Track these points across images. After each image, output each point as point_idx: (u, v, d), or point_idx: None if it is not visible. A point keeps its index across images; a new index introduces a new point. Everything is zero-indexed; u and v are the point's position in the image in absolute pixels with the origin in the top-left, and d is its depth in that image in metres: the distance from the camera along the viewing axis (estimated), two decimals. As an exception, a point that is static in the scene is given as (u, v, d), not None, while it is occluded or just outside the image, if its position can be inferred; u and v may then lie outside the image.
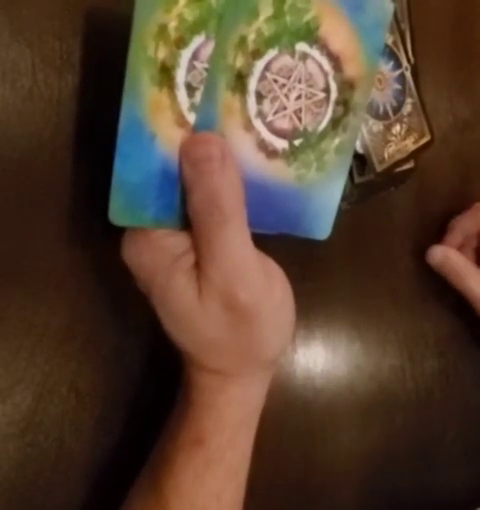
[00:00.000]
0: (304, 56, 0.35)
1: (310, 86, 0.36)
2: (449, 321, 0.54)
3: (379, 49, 0.37)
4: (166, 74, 0.32)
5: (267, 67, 0.34)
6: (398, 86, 0.50)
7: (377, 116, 0.48)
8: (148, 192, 0.33)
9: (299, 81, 0.35)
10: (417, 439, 0.53)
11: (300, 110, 0.36)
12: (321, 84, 0.36)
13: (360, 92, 0.37)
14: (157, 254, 0.34)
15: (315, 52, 0.35)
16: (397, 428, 0.52)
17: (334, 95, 0.36)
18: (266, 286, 0.34)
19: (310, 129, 0.36)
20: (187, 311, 0.34)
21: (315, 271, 0.48)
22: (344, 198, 0.49)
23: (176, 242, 0.34)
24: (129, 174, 0.32)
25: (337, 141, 0.37)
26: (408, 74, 0.50)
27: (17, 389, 0.38)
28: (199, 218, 0.33)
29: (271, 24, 0.33)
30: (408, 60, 0.50)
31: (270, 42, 0.34)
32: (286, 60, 0.34)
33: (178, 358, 0.37)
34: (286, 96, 0.35)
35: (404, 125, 0.50)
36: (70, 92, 0.38)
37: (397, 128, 0.49)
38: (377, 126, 0.48)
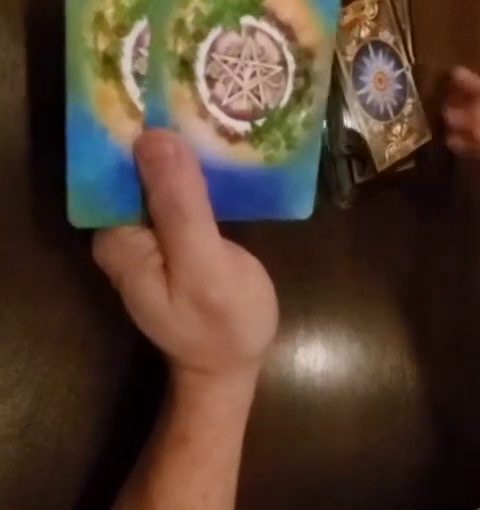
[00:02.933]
0: (252, 30, 0.33)
1: (264, 61, 0.33)
2: (449, 321, 0.54)
3: (335, 12, 0.35)
4: (110, 65, 0.30)
5: (212, 48, 0.32)
6: (399, 86, 0.48)
7: (378, 116, 0.47)
8: (107, 190, 0.31)
9: (251, 58, 0.33)
10: (417, 439, 0.52)
11: (257, 88, 0.33)
12: (275, 57, 0.33)
13: (320, 60, 0.34)
14: (125, 253, 0.32)
15: (263, 24, 0.33)
16: (397, 428, 0.51)
17: (292, 67, 0.34)
18: (238, 282, 0.32)
19: (271, 106, 0.34)
20: (158, 312, 0.32)
21: (315, 271, 0.48)
22: (344, 198, 0.47)
23: (143, 240, 0.32)
24: (84, 173, 0.30)
25: (304, 114, 0.35)
26: (409, 74, 0.49)
27: (17, 390, 0.38)
28: (159, 219, 0.31)
29: (209, 2, 0.31)
30: (409, 60, 0.49)
31: (211, 21, 0.32)
32: (232, 37, 0.32)
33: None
34: (239, 76, 0.33)
35: (405, 125, 0.49)
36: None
37: (398, 128, 0.48)
38: (378, 126, 0.47)
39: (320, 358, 0.48)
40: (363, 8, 0.43)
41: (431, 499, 0.53)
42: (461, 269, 0.54)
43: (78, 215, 0.31)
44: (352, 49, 0.43)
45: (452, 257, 0.54)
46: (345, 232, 0.49)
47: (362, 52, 0.43)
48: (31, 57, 0.37)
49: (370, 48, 0.44)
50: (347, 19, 0.43)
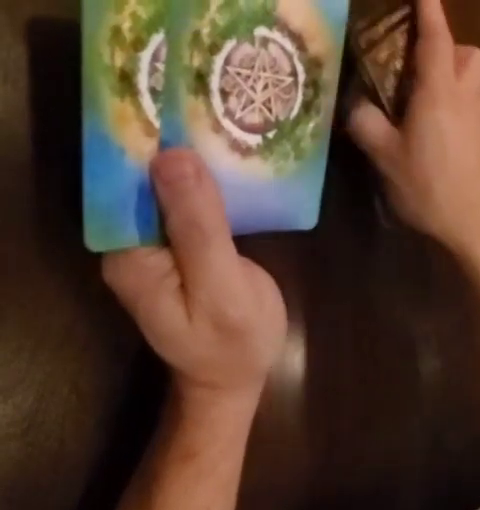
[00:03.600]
0: (265, 41, 0.32)
1: (276, 72, 0.33)
2: (450, 321, 0.54)
3: (343, 21, 0.34)
4: (127, 81, 0.29)
5: (227, 61, 0.31)
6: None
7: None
8: (124, 211, 0.30)
9: (263, 69, 0.32)
10: (418, 439, 0.53)
11: (269, 100, 0.33)
12: (287, 68, 0.33)
13: (328, 69, 0.34)
14: (140, 275, 0.32)
15: (276, 34, 0.32)
16: (398, 428, 0.52)
17: (302, 77, 0.34)
18: (255, 300, 0.32)
19: (282, 118, 0.34)
20: (176, 333, 0.32)
21: (315, 271, 0.48)
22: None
23: (159, 261, 0.32)
24: (101, 195, 0.30)
25: (312, 125, 0.35)
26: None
27: (18, 389, 0.38)
28: (179, 240, 0.31)
29: (225, 12, 0.30)
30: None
31: (226, 33, 0.31)
32: (246, 49, 0.32)
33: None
34: (252, 88, 0.32)
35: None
36: (73, 93, 0.36)
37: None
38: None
39: (321, 358, 0.48)
40: (396, 40, 0.42)
41: (431, 498, 0.53)
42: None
43: (95, 239, 0.30)
44: (390, 83, 0.43)
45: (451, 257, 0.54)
46: (345, 232, 0.48)
47: (400, 84, 0.43)
48: (36, 58, 0.35)
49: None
50: (384, 55, 0.42)
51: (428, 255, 0.53)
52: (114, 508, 0.38)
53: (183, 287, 0.31)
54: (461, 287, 0.53)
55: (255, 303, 0.32)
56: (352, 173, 0.48)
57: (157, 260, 0.32)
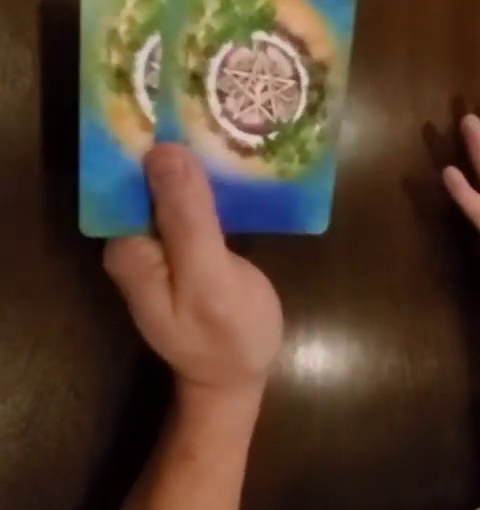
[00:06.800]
0: (263, 45, 0.33)
1: (276, 75, 0.33)
2: (449, 320, 0.53)
3: (349, 25, 0.34)
4: (123, 79, 0.31)
5: (224, 63, 0.32)
6: None
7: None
8: (118, 200, 0.32)
9: (262, 72, 0.33)
10: (417, 439, 0.52)
11: (269, 102, 0.33)
12: (288, 71, 0.34)
13: (334, 73, 0.34)
14: (133, 263, 0.33)
15: (275, 39, 0.33)
16: (397, 428, 0.51)
17: (305, 80, 0.34)
18: (244, 296, 0.32)
19: (284, 120, 0.34)
20: (162, 323, 0.32)
21: (315, 271, 0.47)
22: None
23: (151, 251, 0.32)
24: (96, 184, 0.31)
25: (318, 128, 0.34)
26: None
27: (17, 389, 0.38)
28: (166, 231, 0.31)
29: (220, 18, 0.32)
30: None
31: (222, 36, 0.32)
32: (244, 52, 0.33)
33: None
34: (251, 90, 0.33)
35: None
36: (71, 92, 0.38)
37: None
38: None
39: (320, 358, 0.48)
40: None
41: (431, 498, 0.52)
42: (460, 268, 0.53)
43: (89, 224, 0.32)
44: None
45: (450, 256, 0.53)
46: (345, 232, 0.48)
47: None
48: (36, 57, 0.37)
49: None
50: None
51: (427, 255, 0.52)
52: (113, 507, 0.38)
53: (171, 279, 0.32)
54: (460, 287, 0.53)
55: (243, 300, 0.32)
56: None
57: (149, 250, 0.32)
